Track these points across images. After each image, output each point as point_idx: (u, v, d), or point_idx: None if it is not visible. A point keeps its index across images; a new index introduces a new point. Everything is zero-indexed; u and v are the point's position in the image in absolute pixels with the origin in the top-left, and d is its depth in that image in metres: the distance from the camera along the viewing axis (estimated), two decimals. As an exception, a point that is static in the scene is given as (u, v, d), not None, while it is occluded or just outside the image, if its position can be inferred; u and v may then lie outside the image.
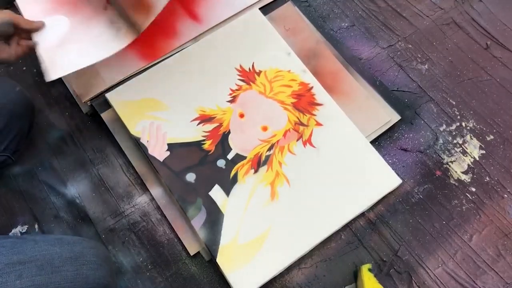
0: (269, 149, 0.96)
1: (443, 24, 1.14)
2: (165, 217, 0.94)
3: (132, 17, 1.00)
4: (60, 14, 1.02)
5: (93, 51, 0.95)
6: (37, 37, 0.94)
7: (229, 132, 0.97)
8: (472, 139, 1.02)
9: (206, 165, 0.94)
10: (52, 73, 0.90)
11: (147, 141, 0.96)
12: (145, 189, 0.97)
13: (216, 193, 0.92)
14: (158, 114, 0.98)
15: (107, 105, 1.00)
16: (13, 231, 0.94)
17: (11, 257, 0.70)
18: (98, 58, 0.93)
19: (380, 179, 0.94)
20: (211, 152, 0.96)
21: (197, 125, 0.98)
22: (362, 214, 0.94)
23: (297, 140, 0.97)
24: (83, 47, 0.96)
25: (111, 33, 0.97)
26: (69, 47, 0.95)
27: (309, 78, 1.02)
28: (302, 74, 1.02)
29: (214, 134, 0.97)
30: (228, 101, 1.00)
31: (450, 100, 1.05)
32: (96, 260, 0.75)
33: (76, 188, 0.97)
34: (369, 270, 0.88)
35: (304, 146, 0.96)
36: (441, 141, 1.02)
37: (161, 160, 0.94)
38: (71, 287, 0.70)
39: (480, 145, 1.01)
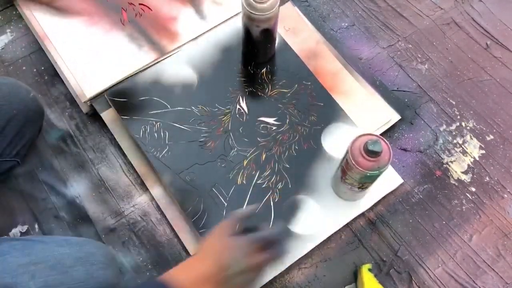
0: (270, 149, 0.96)
1: (443, 24, 1.14)
2: (165, 217, 0.94)
3: (153, 36, 1.03)
4: (76, 24, 1.05)
5: (119, 67, 1.02)
6: (63, 54, 1.03)
7: (229, 132, 0.97)
8: (472, 139, 1.02)
9: (206, 164, 0.95)
10: (88, 93, 0.99)
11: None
12: (145, 189, 0.97)
13: (216, 192, 0.92)
14: (158, 114, 0.98)
15: (107, 105, 1.00)
16: (13, 231, 0.94)
17: (22, 258, 0.71)
18: (124, 74, 1.02)
19: (381, 178, 0.94)
20: (211, 152, 0.96)
21: (198, 125, 0.98)
22: (362, 214, 0.94)
23: (297, 140, 0.97)
24: (108, 63, 1.03)
25: (133, 49, 1.05)
26: (94, 63, 1.02)
27: (310, 78, 1.02)
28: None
29: (214, 134, 0.97)
30: (229, 101, 1.00)
31: (450, 100, 1.05)
32: (104, 260, 0.76)
33: (76, 188, 0.97)
34: (369, 270, 0.88)
35: (304, 146, 0.96)
36: (441, 141, 1.02)
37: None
38: (83, 287, 0.71)
39: (480, 145, 1.01)
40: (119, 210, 0.96)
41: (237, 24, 1.02)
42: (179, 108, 0.99)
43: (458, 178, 0.98)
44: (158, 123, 0.98)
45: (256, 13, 0.88)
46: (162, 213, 0.95)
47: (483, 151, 1.00)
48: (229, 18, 1.09)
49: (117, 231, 0.94)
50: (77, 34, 1.06)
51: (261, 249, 0.69)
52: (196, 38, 1.07)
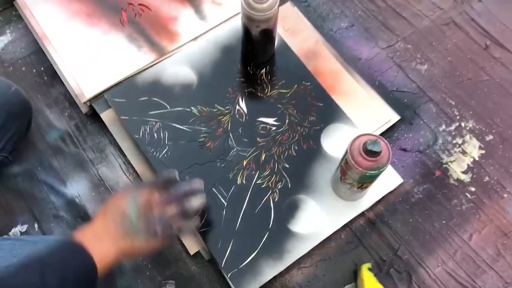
0: (269, 149, 0.96)
1: (443, 24, 1.14)
2: (165, 217, 0.94)
3: (152, 36, 1.03)
4: (76, 25, 1.05)
5: (118, 68, 1.02)
6: (62, 54, 1.03)
7: (229, 132, 0.97)
8: (471, 139, 1.02)
9: (206, 165, 0.95)
10: (87, 94, 0.99)
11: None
12: (144, 189, 0.97)
13: (216, 192, 0.92)
14: (158, 114, 0.98)
15: (107, 105, 1.00)
16: (12, 230, 0.94)
17: (10, 259, 0.70)
18: (123, 75, 1.02)
19: (381, 178, 0.94)
20: (210, 152, 0.96)
21: (197, 125, 0.98)
22: (362, 214, 0.94)
23: (297, 140, 0.97)
24: (108, 63, 1.03)
25: (133, 49, 1.05)
26: (93, 63, 1.02)
27: (309, 78, 1.02)
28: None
29: (214, 134, 0.97)
30: (228, 101, 1.00)
31: (450, 100, 1.05)
32: None
33: (76, 188, 0.97)
34: (369, 269, 0.88)
35: (304, 146, 0.96)
36: (440, 141, 1.02)
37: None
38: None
39: (480, 145, 1.01)
40: (119, 210, 0.96)
41: (237, 24, 1.02)
42: (178, 108, 0.99)
43: (457, 178, 0.98)
44: (158, 124, 0.98)
45: (256, 14, 0.88)
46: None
47: (483, 151, 1.00)
48: (228, 18, 1.09)
49: (116, 231, 0.94)
50: (76, 34, 1.06)
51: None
52: (195, 38, 1.07)
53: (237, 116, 0.99)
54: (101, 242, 0.67)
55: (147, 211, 0.70)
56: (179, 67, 1.03)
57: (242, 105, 1.00)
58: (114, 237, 0.68)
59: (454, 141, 1.01)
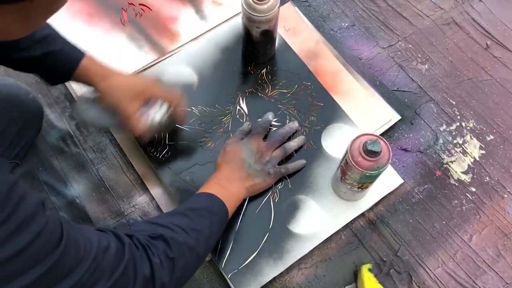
0: None
1: (443, 24, 1.14)
2: (165, 217, 0.94)
3: (153, 36, 1.04)
4: (77, 24, 1.05)
5: (119, 68, 0.99)
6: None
7: (229, 132, 0.97)
8: (472, 139, 1.02)
9: (206, 165, 0.95)
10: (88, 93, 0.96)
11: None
12: (145, 189, 0.97)
13: None
14: (158, 114, 0.98)
15: (107, 105, 1.00)
16: (13, 231, 0.94)
17: None
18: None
19: (381, 178, 0.94)
20: (211, 152, 0.96)
21: (198, 125, 0.98)
22: (362, 214, 0.94)
23: None
24: (108, 63, 0.99)
25: (133, 49, 1.05)
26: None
27: (310, 78, 1.02)
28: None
29: (214, 135, 0.97)
30: (229, 101, 1.00)
31: (450, 100, 1.05)
32: None
33: (76, 188, 0.97)
34: (369, 270, 0.88)
35: (305, 147, 0.96)
36: (441, 141, 1.02)
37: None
38: None
39: (480, 145, 1.01)
40: (119, 210, 0.96)
41: (237, 24, 1.02)
42: None
43: (458, 178, 0.98)
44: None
45: (256, 15, 0.88)
46: (162, 213, 0.95)
47: (483, 151, 1.00)
48: (229, 18, 1.09)
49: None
50: (77, 34, 1.06)
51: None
52: (196, 38, 1.07)
53: (237, 116, 0.99)
54: (232, 182, 0.85)
55: (260, 157, 0.88)
56: (180, 67, 1.03)
57: (243, 105, 1.00)
58: (240, 177, 0.86)
59: (455, 141, 1.01)
